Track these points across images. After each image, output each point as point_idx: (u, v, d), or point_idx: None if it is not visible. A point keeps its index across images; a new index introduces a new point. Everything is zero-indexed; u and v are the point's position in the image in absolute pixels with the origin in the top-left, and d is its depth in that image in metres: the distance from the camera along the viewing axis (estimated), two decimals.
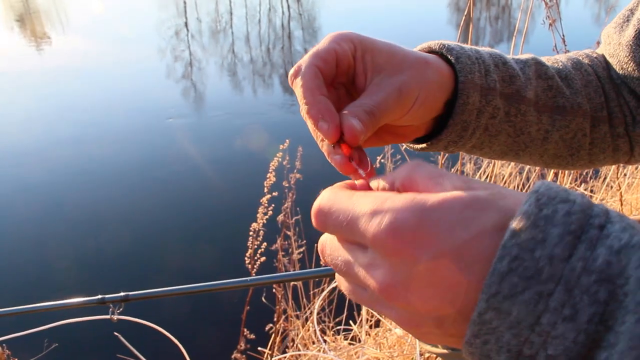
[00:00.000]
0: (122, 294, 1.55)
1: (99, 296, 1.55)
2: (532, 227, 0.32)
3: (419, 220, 0.34)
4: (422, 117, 0.61)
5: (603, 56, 0.77)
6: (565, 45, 2.15)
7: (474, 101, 0.62)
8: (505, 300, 0.32)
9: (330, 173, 0.53)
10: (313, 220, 0.40)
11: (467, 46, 0.65)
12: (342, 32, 0.58)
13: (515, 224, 0.32)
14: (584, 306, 0.31)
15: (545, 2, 2.08)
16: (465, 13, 2.09)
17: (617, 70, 0.73)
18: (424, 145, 0.68)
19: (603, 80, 0.74)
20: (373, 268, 0.37)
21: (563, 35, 2.12)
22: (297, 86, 0.55)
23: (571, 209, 0.32)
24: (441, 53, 0.64)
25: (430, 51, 0.65)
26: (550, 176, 2.05)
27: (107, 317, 1.56)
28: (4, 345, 1.77)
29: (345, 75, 0.58)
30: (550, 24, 2.11)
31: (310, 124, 0.53)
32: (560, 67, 0.73)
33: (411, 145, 0.71)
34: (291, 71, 0.57)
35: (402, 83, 0.56)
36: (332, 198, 0.40)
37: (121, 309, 1.57)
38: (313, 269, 1.74)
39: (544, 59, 0.73)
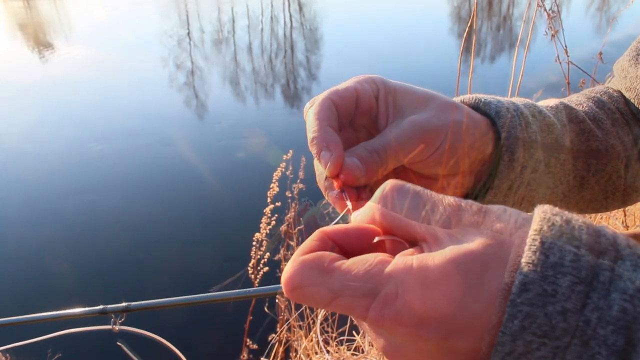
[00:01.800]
0: (123, 304, 1.55)
1: (101, 306, 1.56)
2: (540, 280, 0.30)
3: (424, 305, 0.32)
4: (453, 165, 0.56)
5: (620, 92, 0.74)
6: (568, 56, 2.15)
7: (518, 157, 0.58)
8: (520, 358, 0.30)
9: None
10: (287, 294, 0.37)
11: (502, 98, 0.61)
12: (366, 75, 0.56)
13: (523, 276, 0.30)
14: (602, 358, 0.29)
15: (547, 13, 2.08)
16: (469, 24, 2.09)
17: (636, 104, 0.70)
18: None
19: (627, 116, 0.71)
20: (376, 338, 0.35)
21: (565, 46, 2.13)
22: (308, 116, 0.53)
23: (579, 252, 0.30)
24: (477, 107, 0.59)
25: (465, 104, 0.60)
26: None
27: (109, 327, 1.56)
28: (7, 355, 1.77)
29: (367, 116, 0.55)
30: (552, 35, 2.12)
31: (314, 154, 0.51)
32: (587, 109, 0.70)
33: None
34: (307, 103, 0.55)
35: (424, 120, 0.53)
36: (304, 279, 0.35)
37: (123, 319, 1.57)
38: None
39: (566, 100, 0.71)
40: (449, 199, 0.35)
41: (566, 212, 0.33)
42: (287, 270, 0.36)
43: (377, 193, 0.38)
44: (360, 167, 0.50)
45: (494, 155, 0.58)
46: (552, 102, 0.68)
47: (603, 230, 0.32)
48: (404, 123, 0.53)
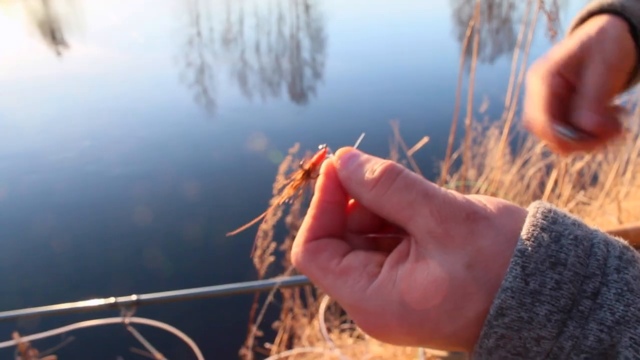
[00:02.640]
0: (134, 297, 1.59)
1: (112, 299, 1.60)
2: (518, 307, 0.30)
3: (401, 325, 0.33)
4: (625, 68, 0.69)
5: None
6: None
7: None
8: None
9: None
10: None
11: None
12: (539, 70, 0.70)
13: (501, 301, 0.30)
14: None
15: (548, 15, 2.13)
16: (470, 26, 2.15)
17: None
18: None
19: None
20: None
21: None
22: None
23: (561, 278, 0.29)
24: (605, 11, 0.71)
25: (593, 14, 0.73)
26: (550, 183, 2.10)
27: (120, 319, 1.61)
28: (28, 343, 1.83)
29: (566, 93, 0.69)
30: (552, 36, 2.16)
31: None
32: None
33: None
34: (526, 120, 0.71)
35: (601, 61, 0.66)
36: (307, 266, 0.37)
37: (133, 312, 1.61)
38: None
39: None
40: (431, 225, 0.34)
41: (560, 221, 0.32)
42: (293, 252, 0.39)
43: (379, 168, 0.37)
44: (601, 118, 0.64)
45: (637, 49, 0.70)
46: None
47: (595, 250, 0.31)
48: (592, 73, 0.66)
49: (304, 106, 7.11)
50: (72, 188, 4.90)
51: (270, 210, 0.49)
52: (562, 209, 0.33)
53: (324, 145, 0.44)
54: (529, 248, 0.30)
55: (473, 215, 0.33)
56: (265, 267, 2.00)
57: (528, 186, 2.73)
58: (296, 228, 2.16)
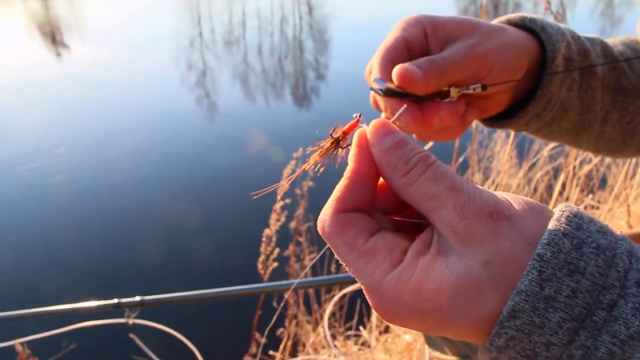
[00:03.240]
0: (137, 298, 1.58)
1: (115, 300, 1.58)
2: (530, 311, 0.29)
3: (413, 313, 0.32)
4: (506, 79, 0.60)
5: None
6: None
7: (559, 69, 0.62)
8: None
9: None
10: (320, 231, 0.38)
11: (545, 19, 0.65)
12: (411, 17, 0.60)
13: (514, 303, 0.30)
14: None
15: (554, 16, 2.11)
16: None
17: None
18: (503, 121, 0.68)
19: None
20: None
21: None
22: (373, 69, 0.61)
23: (578, 287, 0.29)
24: (523, 25, 0.63)
25: (510, 24, 0.65)
26: (558, 187, 2.08)
27: (124, 320, 1.59)
28: (24, 344, 1.82)
29: (420, 54, 0.60)
30: None
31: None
32: (621, 49, 0.71)
33: (490, 124, 0.71)
34: (366, 69, 0.62)
35: (475, 42, 0.57)
36: (332, 238, 0.37)
37: (136, 313, 1.60)
38: (324, 277, 1.76)
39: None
40: (453, 220, 0.33)
41: (584, 227, 0.31)
42: (321, 220, 0.38)
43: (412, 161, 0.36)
44: (418, 71, 0.54)
45: (537, 68, 0.62)
46: (589, 35, 0.71)
47: (617, 261, 0.30)
48: (455, 46, 0.57)
49: (307, 109, 7.10)
50: (76, 189, 4.90)
51: (296, 174, 0.48)
52: (589, 214, 0.32)
53: (358, 114, 0.44)
54: (548, 253, 0.30)
55: (496, 215, 0.32)
56: (269, 272, 1.99)
57: (535, 190, 2.71)
58: (300, 233, 2.14)
